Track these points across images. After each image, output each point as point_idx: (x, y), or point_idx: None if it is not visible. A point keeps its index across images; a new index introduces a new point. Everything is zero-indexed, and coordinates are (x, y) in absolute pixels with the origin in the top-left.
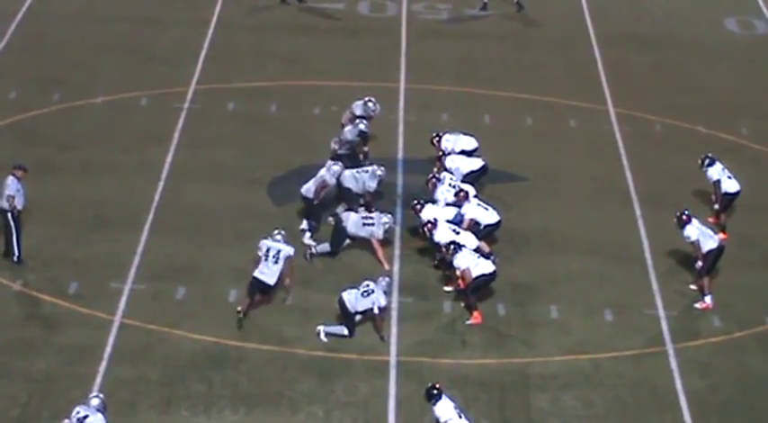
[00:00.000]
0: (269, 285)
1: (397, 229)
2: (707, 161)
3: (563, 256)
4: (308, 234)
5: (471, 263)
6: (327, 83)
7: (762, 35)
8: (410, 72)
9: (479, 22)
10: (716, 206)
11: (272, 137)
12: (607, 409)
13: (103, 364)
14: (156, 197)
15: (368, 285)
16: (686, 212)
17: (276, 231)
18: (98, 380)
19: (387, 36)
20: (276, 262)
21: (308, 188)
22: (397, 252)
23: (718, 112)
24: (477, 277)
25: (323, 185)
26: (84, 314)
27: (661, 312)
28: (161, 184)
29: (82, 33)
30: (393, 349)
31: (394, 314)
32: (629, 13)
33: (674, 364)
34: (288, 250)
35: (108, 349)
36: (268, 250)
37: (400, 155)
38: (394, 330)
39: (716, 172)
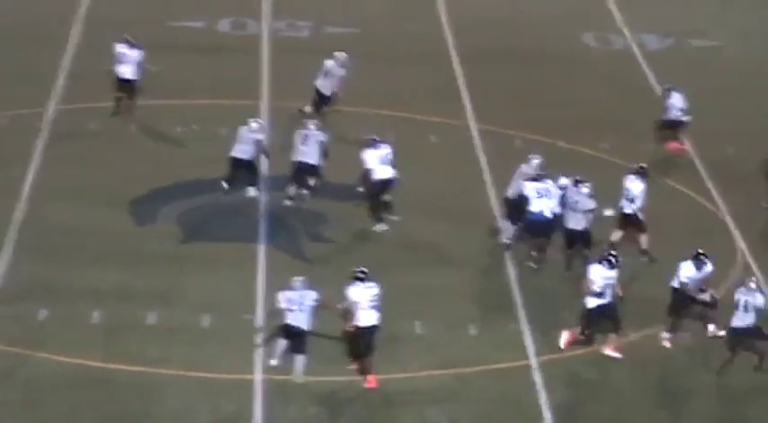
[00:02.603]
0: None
1: (261, 248)
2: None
3: (426, 271)
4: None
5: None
6: (189, 101)
7: (618, 50)
8: (273, 89)
9: (341, 40)
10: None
11: (134, 156)
12: None
13: None
14: (18, 218)
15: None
16: (643, 166)
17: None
18: None
19: (248, 54)
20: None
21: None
22: (261, 269)
23: (579, 127)
24: (357, 328)
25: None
26: None
27: (524, 326)
28: (22, 204)
29: None
30: (258, 368)
31: (260, 333)
32: (489, 28)
33: (538, 378)
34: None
35: None
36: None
37: (265, 172)
38: (259, 349)
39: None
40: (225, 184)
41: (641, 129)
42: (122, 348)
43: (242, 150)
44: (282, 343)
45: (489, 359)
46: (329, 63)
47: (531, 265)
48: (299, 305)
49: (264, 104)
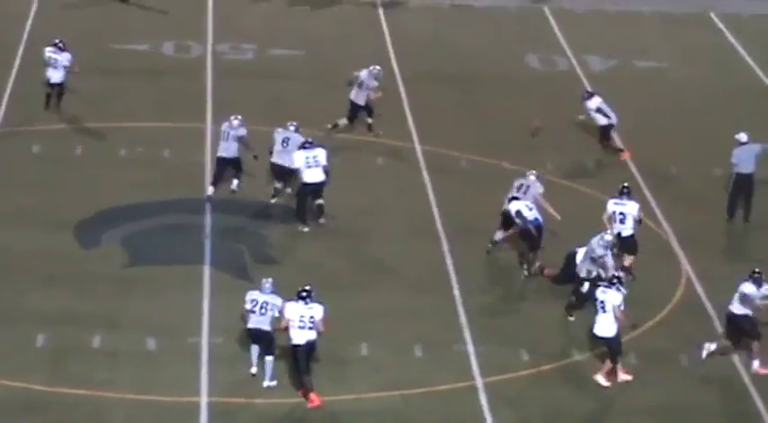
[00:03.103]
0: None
1: (206, 270)
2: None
3: (373, 292)
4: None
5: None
6: (133, 124)
7: (563, 71)
8: (216, 112)
9: (286, 62)
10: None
11: (79, 179)
12: None
13: None
14: None
15: None
16: (627, 186)
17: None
18: None
19: (192, 77)
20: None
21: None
22: (206, 292)
23: (523, 148)
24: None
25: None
26: None
27: (470, 347)
28: None
29: None
30: (204, 390)
31: (204, 355)
32: (434, 50)
33: (483, 399)
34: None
35: None
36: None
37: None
38: (204, 370)
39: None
40: (211, 188)
41: (586, 149)
42: (68, 371)
43: (226, 149)
44: (255, 349)
45: (435, 380)
46: (363, 74)
47: (526, 272)
48: (260, 307)
49: (209, 127)
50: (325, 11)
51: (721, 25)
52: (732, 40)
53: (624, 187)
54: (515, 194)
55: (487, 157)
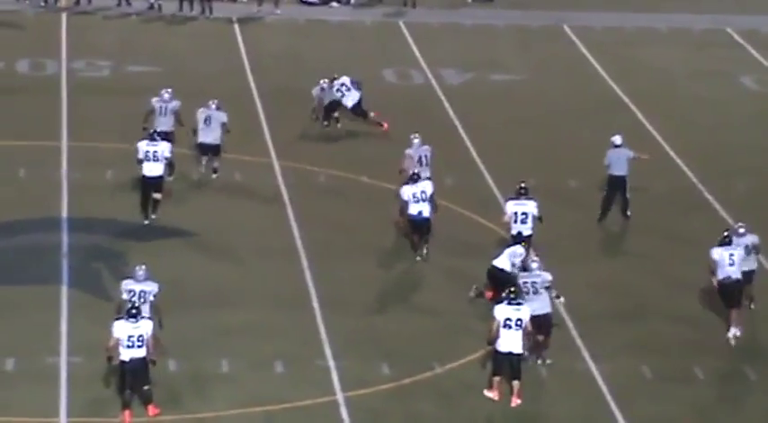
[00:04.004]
0: None
1: (64, 289)
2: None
3: (233, 308)
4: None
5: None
6: None
7: (419, 84)
8: (73, 130)
9: (142, 79)
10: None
11: None
12: None
13: None
14: None
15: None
16: (524, 186)
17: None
18: None
19: (47, 94)
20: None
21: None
22: (64, 311)
23: (381, 162)
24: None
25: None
26: None
27: (331, 362)
28: None
29: None
30: (63, 410)
31: (63, 375)
32: (290, 65)
33: (345, 414)
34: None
35: None
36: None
37: (65, 214)
38: (63, 390)
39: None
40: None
41: (444, 163)
42: None
43: (164, 123)
44: None
45: (297, 396)
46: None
47: (418, 258)
48: (138, 296)
49: (64, 145)
50: (180, 27)
51: (574, 38)
52: (585, 51)
53: (522, 187)
54: (417, 170)
55: (346, 172)
